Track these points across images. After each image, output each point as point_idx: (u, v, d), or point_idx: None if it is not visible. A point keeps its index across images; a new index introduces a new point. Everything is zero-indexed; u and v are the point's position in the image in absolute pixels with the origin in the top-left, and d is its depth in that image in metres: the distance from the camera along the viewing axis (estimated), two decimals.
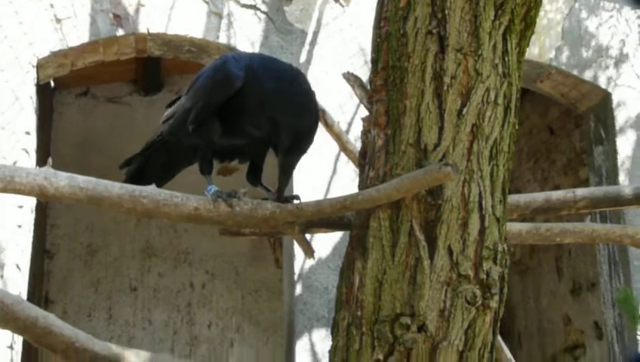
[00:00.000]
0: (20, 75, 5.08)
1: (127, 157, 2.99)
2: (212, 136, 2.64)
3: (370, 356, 2.24)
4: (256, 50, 5.38)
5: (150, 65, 7.34)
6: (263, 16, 5.51)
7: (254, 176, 2.79)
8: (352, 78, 2.63)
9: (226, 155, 2.81)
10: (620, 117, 5.83)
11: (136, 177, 2.87)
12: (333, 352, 2.35)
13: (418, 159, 2.29)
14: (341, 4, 5.62)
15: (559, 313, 6.99)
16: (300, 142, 2.51)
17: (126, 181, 2.74)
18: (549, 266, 7.17)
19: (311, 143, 2.55)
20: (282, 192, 2.54)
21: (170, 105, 2.88)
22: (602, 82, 5.88)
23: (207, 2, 5.45)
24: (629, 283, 5.49)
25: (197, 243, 7.54)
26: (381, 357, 2.23)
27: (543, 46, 5.84)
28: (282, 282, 5.94)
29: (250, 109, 2.57)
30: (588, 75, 5.88)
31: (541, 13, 4.62)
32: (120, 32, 5.29)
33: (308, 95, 2.57)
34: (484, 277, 2.26)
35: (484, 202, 2.29)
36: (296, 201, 2.54)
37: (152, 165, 2.91)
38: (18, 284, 4.84)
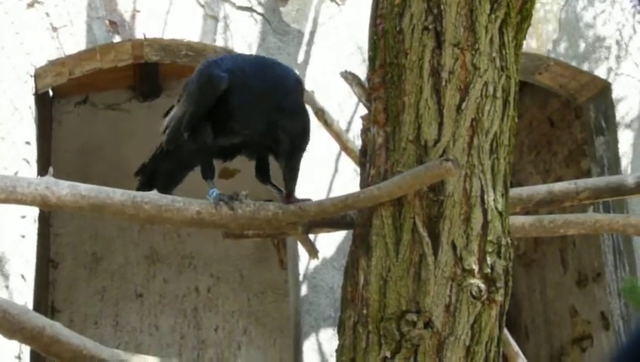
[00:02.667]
0: (18, 85, 5.08)
1: (138, 167, 3.03)
2: (206, 139, 2.64)
3: (377, 354, 2.24)
4: (253, 51, 5.37)
5: (148, 71, 7.33)
6: (259, 17, 5.51)
7: (263, 174, 2.79)
8: (349, 77, 2.63)
9: (227, 155, 2.81)
10: (620, 106, 5.82)
11: (146, 185, 2.90)
12: (340, 351, 2.35)
13: (419, 155, 2.29)
14: (337, 3, 5.62)
15: (565, 304, 6.98)
16: (298, 142, 2.51)
17: (138, 190, 2.75)
18: (553, 258, 7.17)
19: (308, 141, 2.55)
20: (293, 194, 2.53)
21: (166, 115, 2.90)
22: (601, 72, 5.87)
23: (202, 6, 5.44)
24: (634, 272, 5.48)
25: (201, 248, 7.54)
26: (388, 354, 2.23)
27: (541, 38, 5.83)
28: (287, 283, 5.93)
29: (240, 111, 2.58)
30: (587, 66, 5.87)
31: (537, 5, 4.61)
32: (116, 39, 5.28)
33: (294, 94, 2.58)
34: (489, 271, 2.26)
35: (486, 196, 2.29)
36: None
37: (159, 174, 2.94)
38: (24, 294, 4.84)
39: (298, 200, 2.53)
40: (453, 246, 2.25)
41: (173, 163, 2.92)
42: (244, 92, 2.57)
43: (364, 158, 2.44)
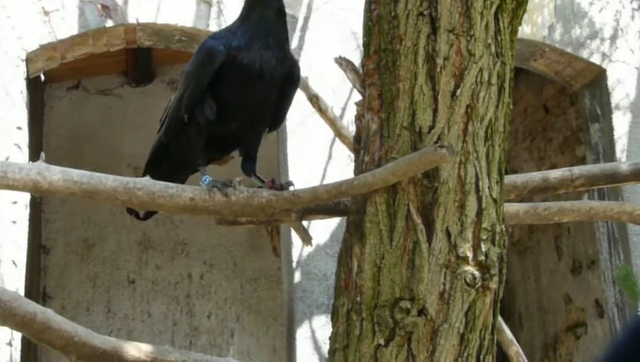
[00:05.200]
0: (9, 70, 5.05)
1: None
2: (208, 116, 2.63)
3: (371, 341, 2.23)
4: None
5: (140, 56, 7.30)
6: None
7: (249, 166, 2.78)
8: (344, 63, 2.61)
9: (219, 146, 2.79)
10: (616, 93, 5.80)
11: None
12: (333, 339, 2.34)
13: (413, 142, 2.28)
14: None
15: (560, 292, 6.99)
16: None
17: None
18: (548, 245, 7.17)
19: None
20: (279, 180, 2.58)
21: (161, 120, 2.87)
22: (596, 59, 5.86)
23: None
24: (628, 260, 5.49)
25: (194, 234, 7.52)
26: (382, 342, 2.22)
27: (536, 24, 5.81)
28: (281, 270, 5.93)
29: (248, 80, 2.60)
30: (582, 52, 5.86)
31: None
32: (109, 23, 5.25)
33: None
34: (483, 258, 2.25)
35: (480, 183, 2.28)
36: (291, 188, 2.52)
37: (158, 177, 2.89)
38: (15, 280, 4.82)
39: (282, 185, 2.52)
40: (448, 234, 2.24)
41: (170, 164, 2.86)
42: (248, 57, 2.61)
43: (358, 145, 2.43)
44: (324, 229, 5.08)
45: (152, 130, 2.97)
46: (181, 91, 2.70)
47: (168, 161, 2.86)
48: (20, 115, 5.07)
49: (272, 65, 2.63)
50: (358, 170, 2.40)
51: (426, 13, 2.30)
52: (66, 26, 5.19)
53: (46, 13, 5.17)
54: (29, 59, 5.16)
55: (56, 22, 5.18)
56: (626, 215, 3.05)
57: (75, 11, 5.20)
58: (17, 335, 4.76)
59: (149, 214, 2.96)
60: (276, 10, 2.69)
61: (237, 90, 2.62)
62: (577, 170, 2.97)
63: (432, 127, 2.28)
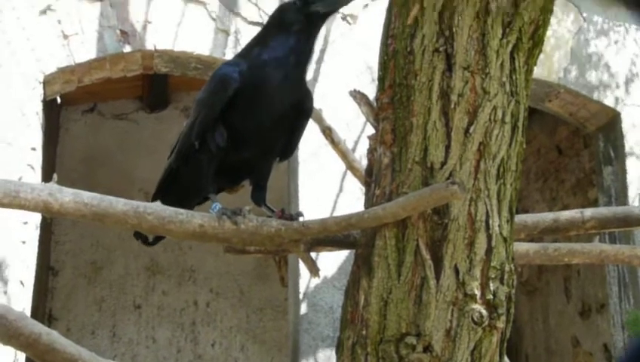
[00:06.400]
0: (26, 91, 5.08)
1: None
2: (218, 142, 2.62)
3: None
4: None
5: (157, 82, 7.35)
6: None
7: (259, 195, 2.78)
8: (358, 96, 2.62)
9: (231, 175, 2.79)
10: (630, 137, 5.80)
11: None
12: None
13: (424, 177, 2.27)
14: (348, 22, 5.62)
15: (568, 334, 6.93)
16: None
17: None
18: (557, 287, 7.13)
19: None
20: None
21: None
22: (611, 102, 5.86)
23: (214, 19, 5.45)
24: (638, 305, 5.44)
25: (202, 261, 7.51)
26: None
27: (552, 65, 5.82)
28: (287, 301, 5.90)
29: (261, 109, 2.60)
30: (597, 95, 5.86)
31: (549, 32, 4.60)
32: (127, 49, 5.29)
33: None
34: (491, 297, 2.23)
35: (491, 221, 2.27)
36: (301, 219, 2.52)
37: (167, 203, 2.88)
38: (22, 301, 4.82)
39: (291, 216, 2.52)
40: (456, 271, 2.23)
41: (179, 190, 2.85)
42: (263, 77, 2.62)
43: (369, 178, 2.43)
44: (332, 261, 5.07)
45: (165, 155, 2.97)
46: (194, 117, 2.70)
47: (178, 187, 2.85)
48: (35, 136, 5.10)
49: (286, 95, 2.63)
50: (368, 204, 2.40)
51: (441, 49, 2.31)
52: (85, 50, 5.23)
53: (65, 36, 5.22)
54: (47, 82, 5.20)
55: (75, 46, 5.22)
56: (637, 259, 3.03)
57: (94, 36, 5.24)
58: (21, 356, 4.75)
59: (156, 240, 2.96)
60: (299, 37, 2.68)
61: (250, 118, 2.62)
62: (589, 212, 2.95)
63: (444, 163, 2.27)
